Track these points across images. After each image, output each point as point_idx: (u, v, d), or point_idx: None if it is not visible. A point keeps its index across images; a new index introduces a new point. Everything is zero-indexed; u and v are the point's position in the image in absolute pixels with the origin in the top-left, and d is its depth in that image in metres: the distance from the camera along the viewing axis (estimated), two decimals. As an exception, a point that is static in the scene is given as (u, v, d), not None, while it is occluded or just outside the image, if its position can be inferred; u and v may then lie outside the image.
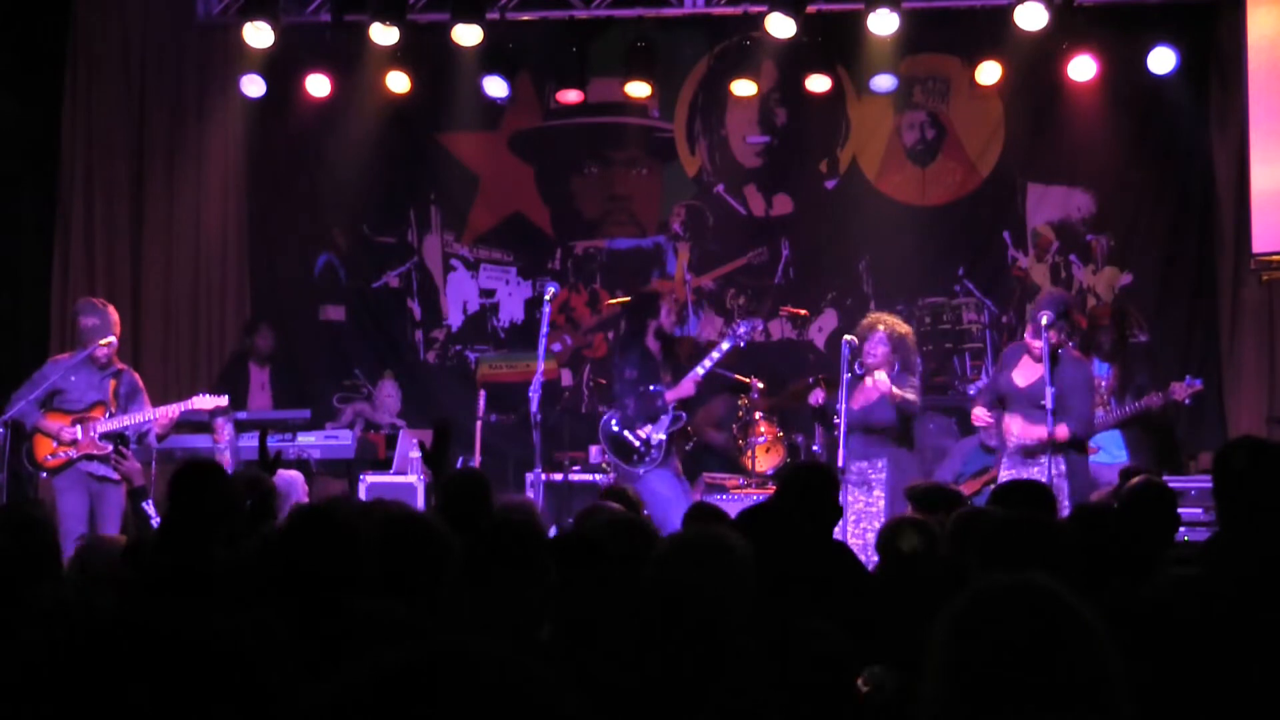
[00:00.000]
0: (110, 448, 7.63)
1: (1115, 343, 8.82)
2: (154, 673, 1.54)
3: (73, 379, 7.91)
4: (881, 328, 7.43)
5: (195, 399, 8.08)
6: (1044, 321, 6.95)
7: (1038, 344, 7.00)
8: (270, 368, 9.94)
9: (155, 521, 5.20)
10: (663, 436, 8.08)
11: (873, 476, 7.32)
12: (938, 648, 1.85)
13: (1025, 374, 7.14)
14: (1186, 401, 8.26)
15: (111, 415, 7.90)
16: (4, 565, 3.04)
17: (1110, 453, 8.41)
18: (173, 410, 7.92)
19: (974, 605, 1.86)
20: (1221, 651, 2.64)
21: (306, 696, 1.34)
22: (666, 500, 7.77)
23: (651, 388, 8.12)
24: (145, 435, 7.99)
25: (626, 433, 8.13)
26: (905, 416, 7.41)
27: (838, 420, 7.19)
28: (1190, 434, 9.46)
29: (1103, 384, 8.59)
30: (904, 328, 7.55)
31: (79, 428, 7.82)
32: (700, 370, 8.17)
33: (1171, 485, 7.14)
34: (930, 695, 1.84)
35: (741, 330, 8.25)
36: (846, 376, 7.20)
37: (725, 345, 8.21)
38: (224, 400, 8.10)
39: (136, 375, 8.22)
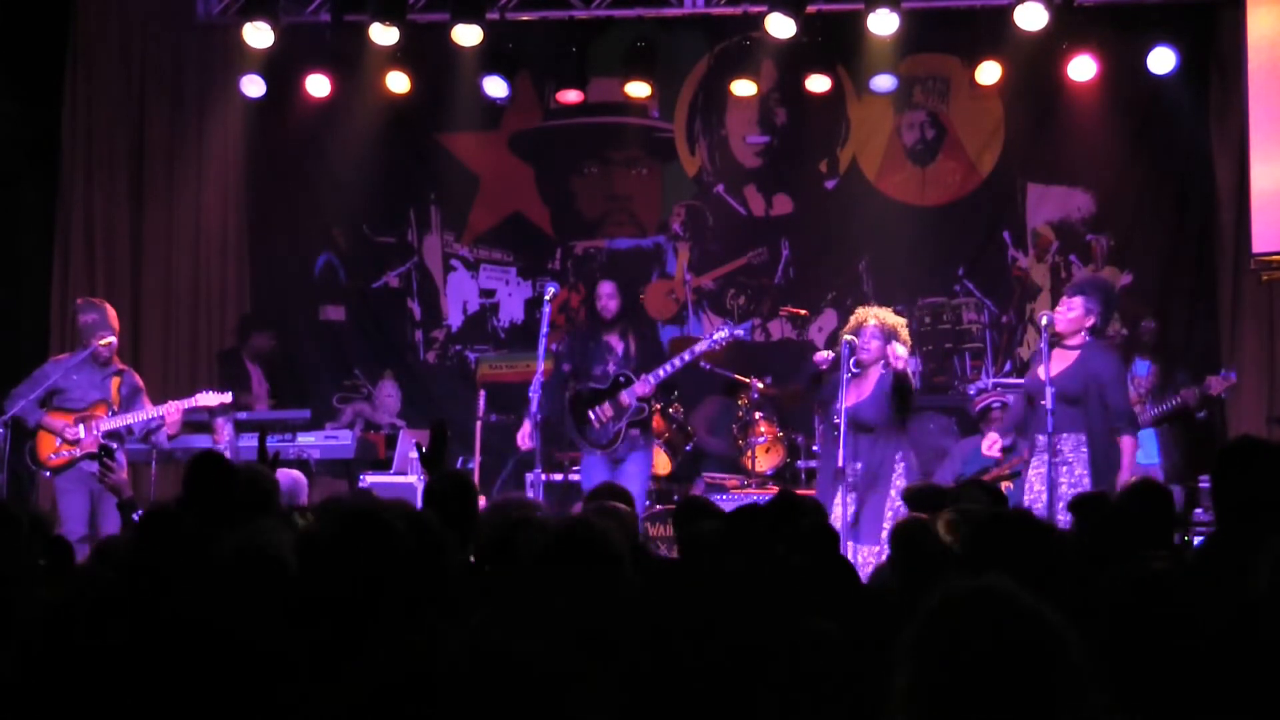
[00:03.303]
0: (114, 446, 7.57)
1: (1158, 339, 8.76)
2: (155, 669, 1.55)
3: (74, 378, 7.91)
4: (873, 321, 7.24)
5: (199, 395, 8.06)
6: (1043, 322, 6.90)
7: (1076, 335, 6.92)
8: (263, 369, 9.94)
9: None
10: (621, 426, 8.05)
11: (857, 474, 7.11)
12: (902, 670, 1.83)
13: (1055, 366, 6.88)
14: (1223, 395, 8.23)
15: (115, 414, 7.90)
16: (9, 564, 3.04)
17: (1145, 453, 8.40)
18: (177, 407, 7.90)
19: (932, 623, 1.85)
20: (1205, 647, 2.63)
21: (321, 696, 1.34)
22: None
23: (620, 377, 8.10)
24: (153, 433, 7.99)
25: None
26: (900, 408, 7.25)
27: (837, 420, 7.14)
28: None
29: (1143, 382, 8.58)
30: (895, 319, 7.33)
31: (81, 426, 7.82)
32: (663, 371, 8.06)
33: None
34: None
35: (720, 334, 8.04)
36: (846, 376, 7.14)
37: (700, 348, 8.04)
38: (228, 397, 8.08)
39: (137, 376, 8.22)
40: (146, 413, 7.93)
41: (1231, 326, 9.63)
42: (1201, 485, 7.83)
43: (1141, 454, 8.16)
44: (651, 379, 7.94)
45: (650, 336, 8.72)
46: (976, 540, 3.49)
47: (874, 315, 7.29)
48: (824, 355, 7.53)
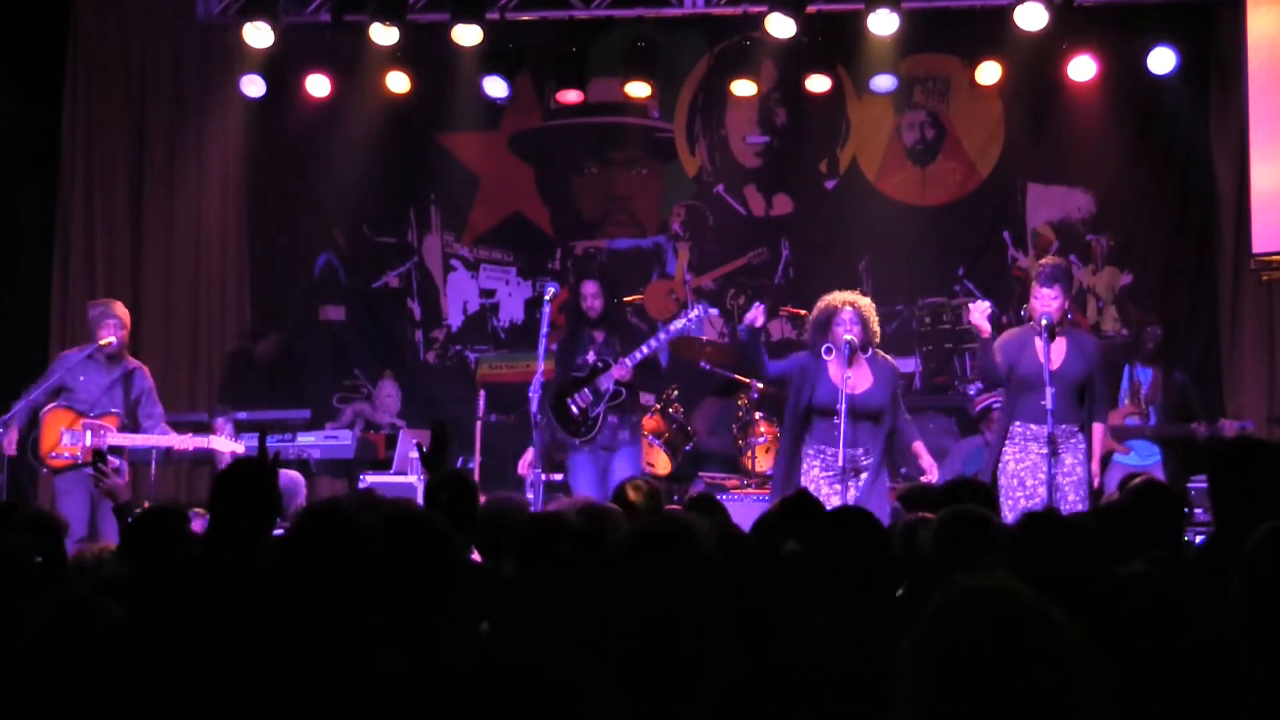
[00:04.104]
0: (117, 461, 7.42)
1: (1162, 345, 8.79)
2: (163, 674, 1.55)
3: (81, 378, 7.87)
4: (848, 307, 7.24)
5: (213, 439, 7.93)
6: (1044, 323, 6.92)
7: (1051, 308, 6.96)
8: (269, 374, 9.94)
9: None
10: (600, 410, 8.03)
11: (864, 462, 7.18)
12: (906, 671, 1.83)
13: (1054, 356, 6.97)
14: (1229, 434, 8.29)
15: (125, 427, 7.83)
16: (22, 563, 3.03)
17: (1141, 454, 8.40)
18: (186, 442, 7.83)
19: (936, 623, 1.85)
20: (1202, 647, 2.63)
21: (321, 700, 1.34)
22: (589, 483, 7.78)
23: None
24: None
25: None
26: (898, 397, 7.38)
27: (838, 420, 7.12)
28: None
29: (1144, 389, 8.58)
30: (864, 300, 7.39)
31: (89, 433, 7.76)
32: (639, 353, 7.99)
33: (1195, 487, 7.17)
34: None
35: (693, 314, 7.90)
36: (846, 375, 7.13)
37: (675, 326, 7.91)
38: (240, 447, 7.92)
39: (147, 374, 8.11)
40: (158, 439, 7.85)
41: (1231, 327, 9.63)
42: (1190, 486, 7.80)
43: (1137, 455, 8.19)
44: (629, 361, 7.90)
45: (634, 333, 8.61)
46: (1018, 541, 3.47)
47: (844, 300, 7.30)
48: (753, 315, 7.41)
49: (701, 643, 2.35)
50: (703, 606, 2.42)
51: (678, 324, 7.96)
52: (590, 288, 8.18)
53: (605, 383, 7.96)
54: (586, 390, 8.03)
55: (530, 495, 7.80)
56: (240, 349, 10.11)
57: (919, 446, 7.33)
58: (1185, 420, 8.49)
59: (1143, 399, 8.58)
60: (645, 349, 7.96)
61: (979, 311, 7.09)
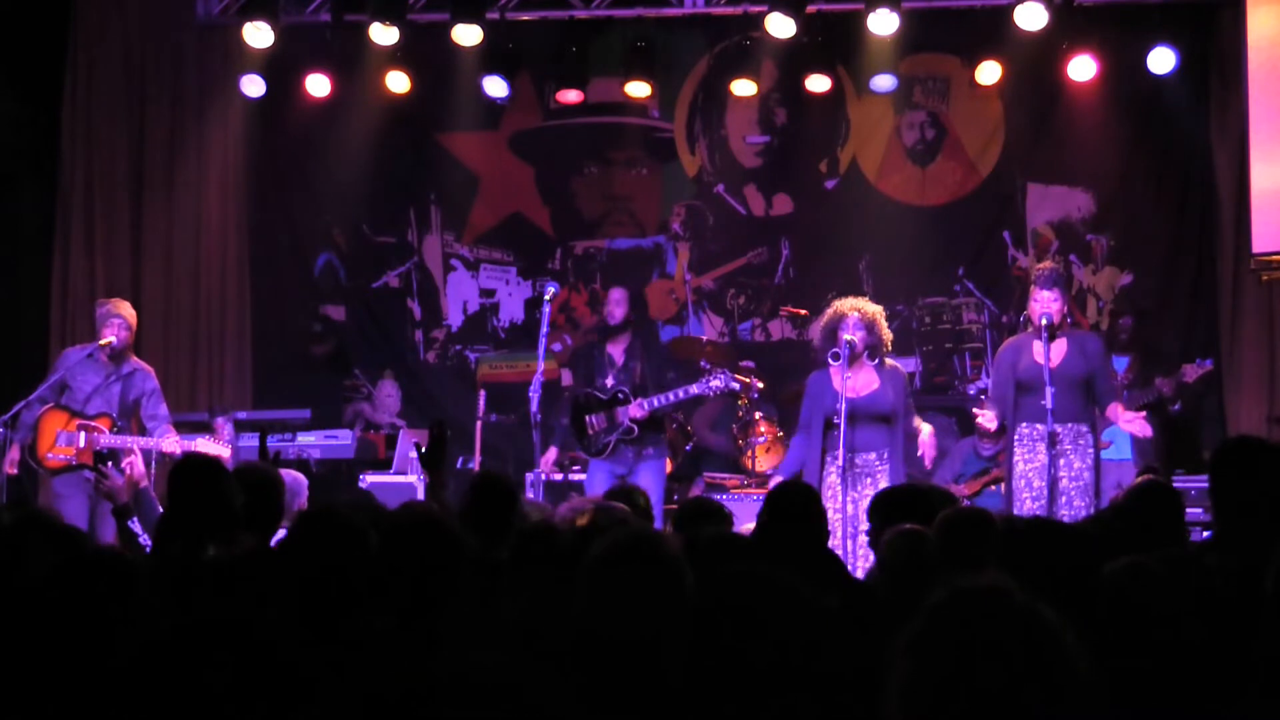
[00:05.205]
0: (106, 465, 7.37)
1: (1134, 334, 8.84)
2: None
3: (79, 379, 7.87)
4: (854, 312, 7.21)
5: (199, 441, 7.89)
6: (1043, 323, 6.93)
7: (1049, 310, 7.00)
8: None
9: (143, 539, 5.15)
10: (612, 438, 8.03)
11: (878, 468, 7.12)
12: (899, 669, 1.83)
13: (1053, 355, 7.00)
14: (1191, 380, 8.31)
15: (117, 430, 7.81)
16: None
17: (1119, 448, 8.42)
18: (177, 444, 7.81)
19: (930, 621, 1.85)
20: (1206, 647, 2.63)
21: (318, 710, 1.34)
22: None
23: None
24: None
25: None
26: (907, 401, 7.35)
27: (838, 420, 7.11)
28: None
29: (1120, 376, 8.64)
30: (873, 307, 7.34)
31: (82, 434, 7.75)
32: (658, 401, 7.92)
33: (1177, 486, 7.18)
34: None
35: (715, 383, 7.84)
36: (847, 376, 7.12)
37: (694, 389, 7.85)
38: (225, 451, 7.86)
39: (150, 373, 8.08)
40: (146, 442, 7.82)
41: (1231, 327, 9.63)
42: (1190, 486, 7.80)
43: (1114, 449, 8.19)
44: (646, 404, 7.89)
45: (656, 359, 8.50)
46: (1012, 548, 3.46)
47: (851, 306, 7.27)
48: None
49: (669, 653, 2.35)
50: (669, 618, 2.42)
51: (693, 388, 7.88)
52: (616, 294, 8.15)
53: (622, 417, 7.96)
54: (603, 414, 8.04)
55: (530, 494, 7.80)
56: (298, 352, 10.16)
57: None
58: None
59: (1116, 384, 8.64)
60: (664, 399, 7.90)
61: (987, 418, 7.26)
